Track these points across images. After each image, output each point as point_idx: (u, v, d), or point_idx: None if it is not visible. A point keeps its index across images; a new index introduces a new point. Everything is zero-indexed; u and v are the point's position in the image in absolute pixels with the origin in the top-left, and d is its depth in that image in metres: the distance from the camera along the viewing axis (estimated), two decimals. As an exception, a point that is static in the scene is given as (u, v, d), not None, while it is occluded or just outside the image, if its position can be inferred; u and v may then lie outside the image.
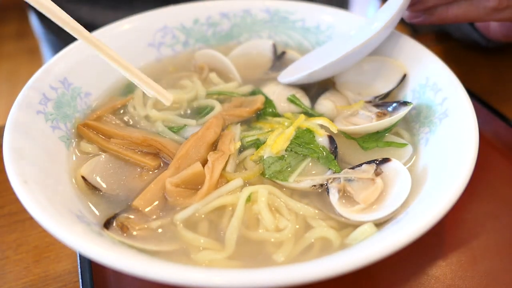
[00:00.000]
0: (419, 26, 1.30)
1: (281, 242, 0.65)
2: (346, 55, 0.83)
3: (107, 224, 0.65)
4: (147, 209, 0.68)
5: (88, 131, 0.80)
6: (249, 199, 0.68)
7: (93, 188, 0.72)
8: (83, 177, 0.72)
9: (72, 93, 0.83)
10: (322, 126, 0.80)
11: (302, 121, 0.80)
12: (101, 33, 0.93)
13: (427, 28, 1.28)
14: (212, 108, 0.86)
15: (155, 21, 0.99)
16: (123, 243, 0.63)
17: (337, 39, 0.97)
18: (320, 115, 0.86)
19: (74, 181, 0.73)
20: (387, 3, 0.87)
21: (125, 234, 0.65)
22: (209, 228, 0.67)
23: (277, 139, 0.76)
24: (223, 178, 0.72)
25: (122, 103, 0.88)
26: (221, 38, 1.04)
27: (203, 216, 0.68)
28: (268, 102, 0.87)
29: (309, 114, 0.85)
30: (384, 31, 0.83)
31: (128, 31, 0.96)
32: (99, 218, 0.68)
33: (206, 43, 1.04)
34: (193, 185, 0.71)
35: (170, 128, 0.82)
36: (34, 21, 1.50)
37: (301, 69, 0.90)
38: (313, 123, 0.80)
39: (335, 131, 0.79)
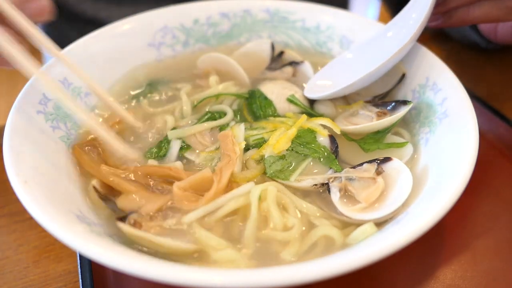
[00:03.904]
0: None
1: (288, 241, 0.65)
2: (385, 63, 0.80)
3: (120, 219, 0.65)
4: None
5: (83, 152, 0.76)
6: (259, 197, 0.68)
7: (105, 198, 0.70)
8: (94, 188, 0.71)
9: (72, 93, 0.83)
10: (324, 127, 0.79)
11: (304, 121, 0.80)
12: (101, 33, 0.93)
13: (427, 28, 1.28)
14: (222, 113, 0.85)
15: (155, 21, 0.99)
16: (140, 238, 0.62)
17: (356, 48, 0.93)
18: (321, 115, 0.86)
19: (87, 193, 0.72)
20: (410, 4, 0.85)
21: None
22: (223, 228, 0.67)
23: (279, 139, 0.76)
24: (230, 182, 0.71)
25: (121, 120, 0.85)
26: (221, 38, 1.04)
27: (215, 220, 0.67)
28: (267, 102, 0.87)
29: (309, 114, 0.85)
30: (416, 35, 0.81)
31: (128, 31, 0.96)
32: (105, 221, 0.68)
33: (206, 43, 1.04)
34: (201, 191, 0.70)
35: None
36: None
37: (329, 83, 0.88)
38: (316, 123, 0.80)
39: (338, 132, 0.79)
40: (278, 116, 0.85)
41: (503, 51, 1.22)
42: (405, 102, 0.79)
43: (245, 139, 0.78)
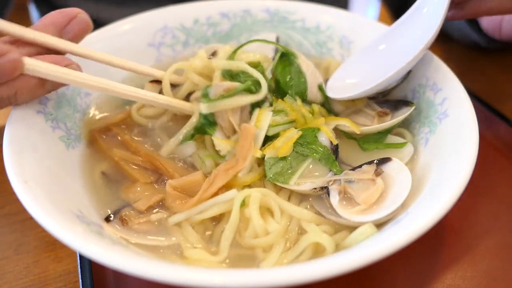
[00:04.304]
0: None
1: (269, 246, 0.65)
2: (415, 57, 0.78)
3: (108, 218, 0.67)
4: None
5: (100, 137, 0.81)
6: (243, 203, 0.67)
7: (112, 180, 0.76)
8: (103, 173, 0.77)
9: (72, 92, 0.83)
10: (335, 129, 0.79)
11: (322, 124, 0.77)
12: (101, 33, 0.93)
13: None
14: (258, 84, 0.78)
15: (155, 21, 0.99)
16: (121, 238, 0.64)
17: (373, 43, 0.88)
18: (336, 113, 0.84)
19: (88, 179, 0.75)
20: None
21: (125, 227, 0.67)
22: (203, 230, 0.68)
23: (285, 144, 0.73)
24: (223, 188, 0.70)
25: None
26: (221, 38, 1.04)
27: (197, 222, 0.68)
28: (301, 78, 0.83)
29: (328, 109, 0.84)
30: (439, 27, 0.77)
31: (128, 31, 0.96)
32: (101, 214, 0.69)
33: (206, 43, 1.03)
34: (191, 192, 0.70)
35: None
36: (33, 13, 1.50)
37: (353, 82, 0.85)
38: (333, 125, 0.78)
39: (358, 132, 0.78)
40: (306, 100, 0.83)
41: (503, 51, 1.22)
42: (407, 103, 0.79)
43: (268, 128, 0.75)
